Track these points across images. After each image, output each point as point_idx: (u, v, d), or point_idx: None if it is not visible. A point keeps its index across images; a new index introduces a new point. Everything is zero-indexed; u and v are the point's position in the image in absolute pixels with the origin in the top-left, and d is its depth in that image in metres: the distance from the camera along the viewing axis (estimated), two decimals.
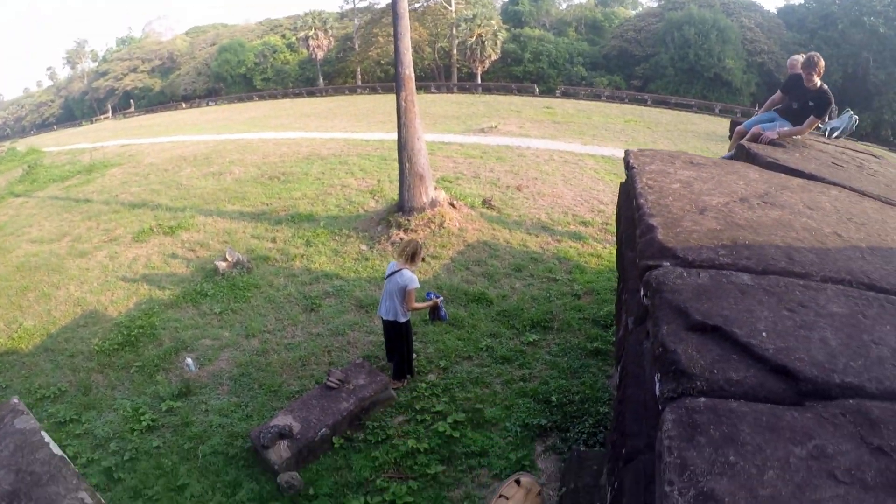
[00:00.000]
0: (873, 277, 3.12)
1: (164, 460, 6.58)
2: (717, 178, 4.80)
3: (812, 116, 7.14)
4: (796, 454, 1.79)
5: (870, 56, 50.24)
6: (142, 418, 7.25)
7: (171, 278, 11.61)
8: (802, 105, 7.34)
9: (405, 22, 12.71)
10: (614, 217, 13.08)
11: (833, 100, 7.27)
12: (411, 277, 6.92)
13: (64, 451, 6.74)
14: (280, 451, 6.07)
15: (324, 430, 6.32)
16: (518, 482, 4.52)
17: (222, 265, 11.31)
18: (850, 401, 2.07)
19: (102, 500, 2.90)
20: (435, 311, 7.58)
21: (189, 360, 8.36)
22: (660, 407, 2.17)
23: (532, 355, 8.19)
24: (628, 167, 5.33)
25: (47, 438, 2.97)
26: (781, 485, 1.65)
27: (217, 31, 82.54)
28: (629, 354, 3.33)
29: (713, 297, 2.65)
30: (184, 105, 64.11)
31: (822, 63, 7.15)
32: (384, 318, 7.24)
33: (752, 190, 4.52)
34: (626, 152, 5.90)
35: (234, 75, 67.51)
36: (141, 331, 9.41)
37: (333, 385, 6.77)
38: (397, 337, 7.36)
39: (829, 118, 8.78)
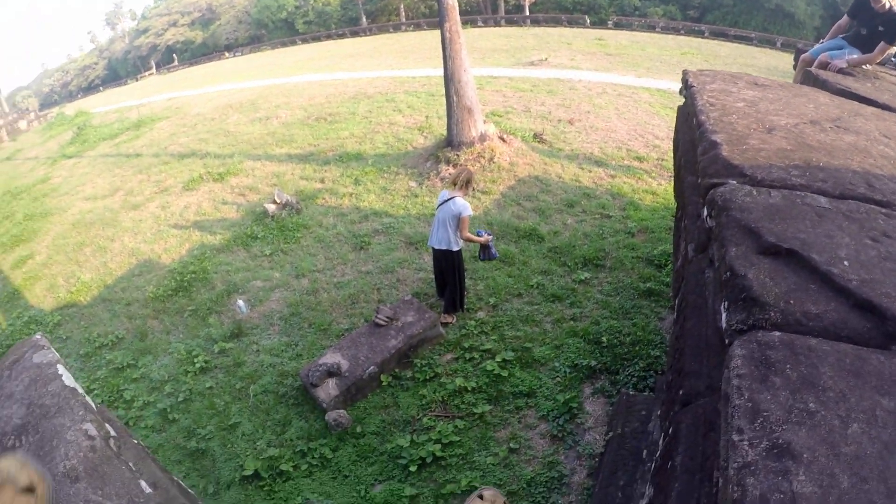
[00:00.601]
0: None
1: (216, 400, 6.70)
2: (785, 100, 4.44)
3: (883, 42, 6.52)
4: (884, 406, 1.54)
5: None
6: (195, 360, 7.38)
7: (222, 223, 11.69)
8: (871, 30, 6.73)
9: None
10: (671, 152, 12.64)
11: None
12: (464, 205, 6.88)
13: (121, 395, 6.99)
14: (328, 389, 6.07)
15: (372, 367, 6.29)
16: (481, 497, 4.41)
17: (271, 207, 11.30)
18: None
19: (113, 431, 2.84)
20: (486, 250, 7.46)
21: (240, 302, 8.41)
22: (726, 341, 1.93)
23: (583, 294, 7.96)
24: (687, 86, 5.02)
25: (61, 370, 2.92)
26: (867, 442, 1.42)
27: None
28: (689, 284, 3.06)
29: (787, 218, 2.37)
30: (227, 54, 63.84)
31: None
32: (436, 247, 7.17)
33: (822, 113, 4.16)
34: (685, 72, 5.55)
35: (275, 21, 66.70)
36: (194, 276, 9.53)
37: (382, 322, 6.71)
38: (449, 267, 7.26)
39: None
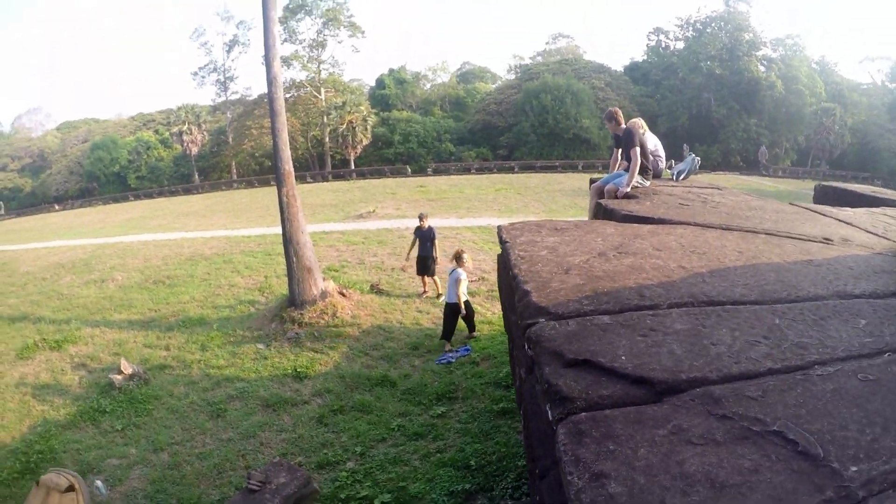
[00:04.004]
0: (711, 295, 3.73)
1: None
2: (579, 239, 5.30)
3: (630, 152, 8.16)
4: (659, 434, 2.27)
5: (710, 96, 57.49)
6: None
7: (65, 396, 11.14)
8: (625, 151, 8.50)
9: (282, 118, 13.25)
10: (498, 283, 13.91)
11: (633, 133, 8.38)
12: (460, 271, 11.41)
13: None
14: None
15: None
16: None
17: (118, 378, 11.03)
18: (697, 389, 2.59)
19: None
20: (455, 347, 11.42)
21: (99, 483, 8.06)
22: (553, 428, 2.61)
23: (443, 427, 8.55)
24: (502, 242, 5.70)
25: None
26: (651, 456, 2.13)
27: (89, 126, 79.15)
28: (527, 398, 3.81)
29: (581, 338, 3.14)
30: (56, 207, 60.99)
31: (616, 110, 8.71)
32: (448, 301, 11.53)
33: (608, 244, 5.07)
34: (499, 228, 6.24)
35: (107, 174, 65.33)
36: (41, 456, 8.92)
37: (255, 487, 6.83)
38: (458, 312, 11.44)
39: (686, 154, 10.16)
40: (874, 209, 8.25)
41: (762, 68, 58.22)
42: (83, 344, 13.71)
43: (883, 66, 66.00)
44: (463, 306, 11.45)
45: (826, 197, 10.65)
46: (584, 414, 2.53)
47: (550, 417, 2.71)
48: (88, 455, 9.01)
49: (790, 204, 8.28)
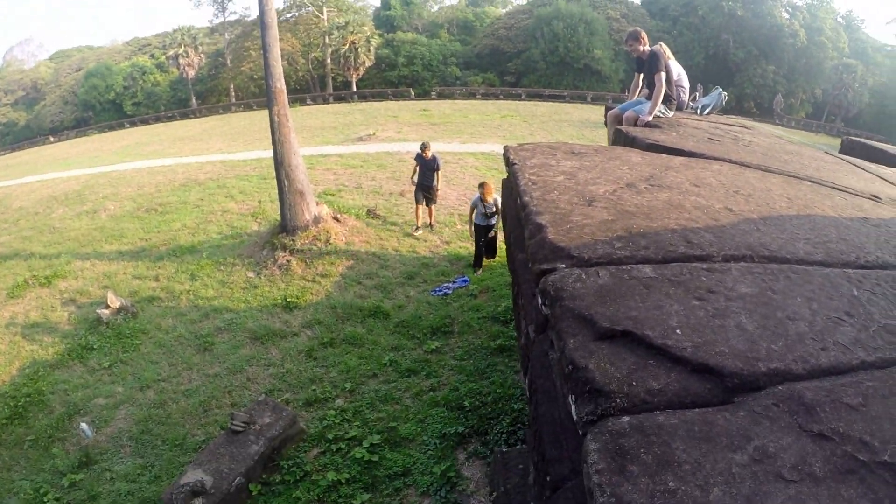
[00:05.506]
0: (772, 248, 3.12)
1: None
2: (601, 166, 4.68)
3: (655, 76, 7.38)
4: (738, 462, 1.69)
5: (729, 37, 55.53)
6: (45, 499, 6.64)
7: (53, 334, 10.85)
8: (648, 76, 7.72)
9: (273, 32, 12.44)
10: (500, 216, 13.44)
11: (659, 56, 7.53)
12: (473, 198, 11.13)
13: None
14: None
15: (238, 478, 6.08)
16: None
17: (105, 313, 10.71)
18: (780, 387, 2.01)
19: None
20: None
21: (84, 426, 7.77)
22: (580, 433, 2.00)
23: (437, 363, 8.24)
24: (509, 164, 5.11)
25: None
26: (730, 501, 1.56)
27: (83, 54, 77.13)
28: (535, 367, 3.10)
29: (617, 297, 2.49)
30: (52, 139, 59.56)
31: (640, 31, 7.72)
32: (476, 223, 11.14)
33: (637, 174, 4.46)
34: (506, 148, 5.67)
35: (102, 102, 63.76)
36: (28, 399, 8.67)
37: (239, 428, 6.55)
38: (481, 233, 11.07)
39: (700, 96, 9.32)
40: None
41: (786, 15, 55.71)
42: (73, 278, 13.35)
43: None
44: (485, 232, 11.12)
45: (854, 152, 9.84)
46: (626, 419, 1.89)
47: (575, 417, 2.06)
48: (76, 395, 8.77)
49: (826, 153, 7.61)
